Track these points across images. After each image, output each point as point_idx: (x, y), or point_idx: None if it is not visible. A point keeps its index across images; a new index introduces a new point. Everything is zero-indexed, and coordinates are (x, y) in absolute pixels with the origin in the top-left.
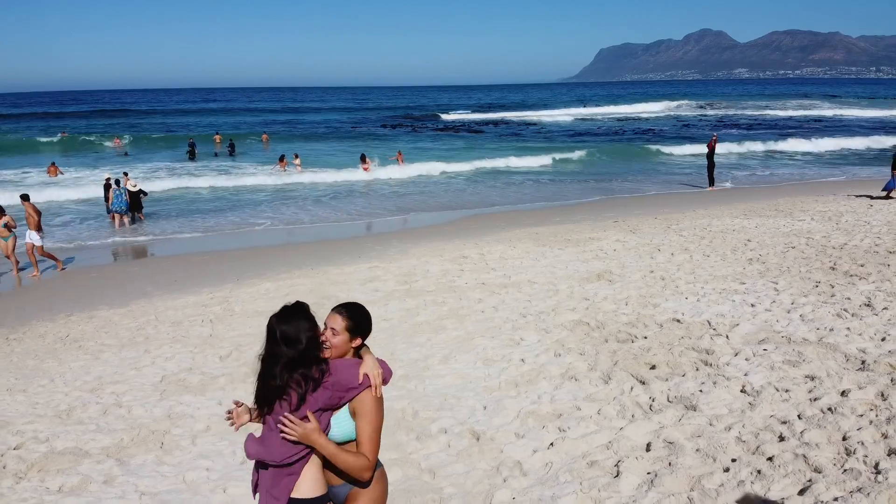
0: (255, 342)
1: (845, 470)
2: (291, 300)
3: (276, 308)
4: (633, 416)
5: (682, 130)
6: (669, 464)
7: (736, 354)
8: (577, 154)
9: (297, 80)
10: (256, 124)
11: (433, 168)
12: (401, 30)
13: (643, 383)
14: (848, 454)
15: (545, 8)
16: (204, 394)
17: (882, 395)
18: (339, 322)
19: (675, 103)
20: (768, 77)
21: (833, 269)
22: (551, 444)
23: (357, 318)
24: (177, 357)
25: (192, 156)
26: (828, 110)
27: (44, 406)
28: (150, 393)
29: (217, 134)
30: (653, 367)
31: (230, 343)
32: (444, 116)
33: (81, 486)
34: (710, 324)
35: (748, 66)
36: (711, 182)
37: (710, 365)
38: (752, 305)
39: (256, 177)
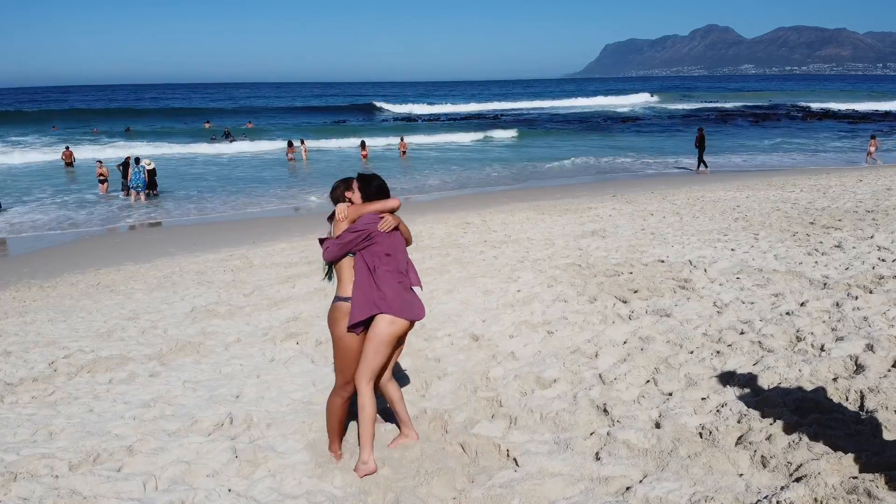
0: (276, 283)
1: (795, 351)
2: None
3: (293, 262)
4: (613, 322)
5: None
6: (642, 349)
7: (711, 282)
8: None
9: (296, 76)
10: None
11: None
12: (399, 28)
13: (625, 302)
14: (799, 340)
15: (550, 4)
16: (232, 318)
17: (837, 304)
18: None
19: None
20: (774, 73)
21: (812, 223)
22: (540, 341)
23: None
24: (203, 295)
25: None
26: None
27: (85, 330)
28: (183, 319)
29: (207, 122)
30: (635, 292)
31: (252, 285)
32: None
33: (129, 379)
34: (691, 262)
35: (754, 62)
36: (699, 165)
37: (687, 289)
38: (732, 250)
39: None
